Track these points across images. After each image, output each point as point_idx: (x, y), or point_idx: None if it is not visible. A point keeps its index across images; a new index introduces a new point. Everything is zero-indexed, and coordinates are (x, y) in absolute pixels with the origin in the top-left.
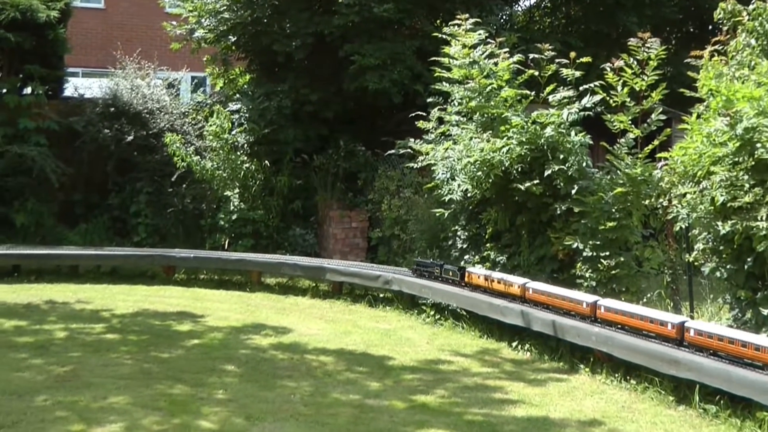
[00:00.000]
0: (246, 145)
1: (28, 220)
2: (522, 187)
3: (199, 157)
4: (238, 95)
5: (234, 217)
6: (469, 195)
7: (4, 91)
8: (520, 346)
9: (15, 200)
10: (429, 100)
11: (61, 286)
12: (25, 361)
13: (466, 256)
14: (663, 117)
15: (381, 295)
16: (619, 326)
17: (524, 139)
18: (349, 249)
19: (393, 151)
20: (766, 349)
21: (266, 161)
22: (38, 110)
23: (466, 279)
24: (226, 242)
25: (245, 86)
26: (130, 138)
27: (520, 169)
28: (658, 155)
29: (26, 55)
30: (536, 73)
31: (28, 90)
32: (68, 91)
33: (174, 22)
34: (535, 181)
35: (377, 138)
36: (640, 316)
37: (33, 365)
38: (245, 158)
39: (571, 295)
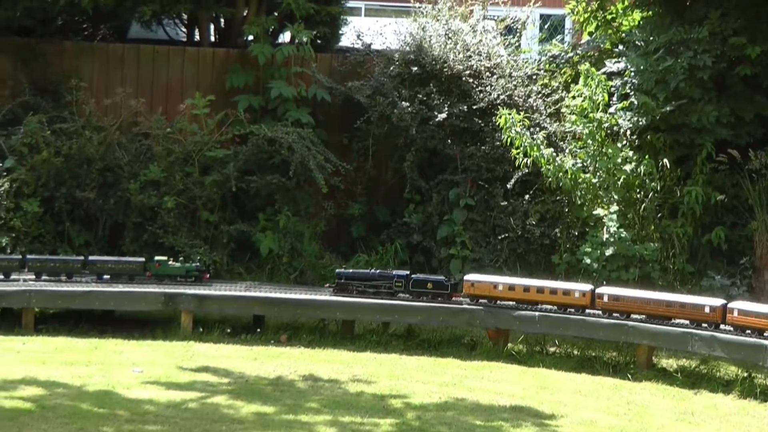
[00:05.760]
0: (631, 132)
1: (278, 245)
2: None
3: (552, 149)
4: (620, 47)
5: (609, 251)
6: None
7: (250, 38)
8: None
9: (260, 212)
10: None
11: (327, 352)
12: None
13: None
14: None
15: None
16: None
17: None
18: None
19: None
20: None
21: (665, 159)
22: (301, 69)
23: (467, 291)
24: None
25: (633, 32)
26: (441, 116)
27: None
28: None
29: None
30: None
31: (286, 37)
32: (346, 39)
33: None
34: None
35: None
36: None
37: None
38: (629, 154)
39: None
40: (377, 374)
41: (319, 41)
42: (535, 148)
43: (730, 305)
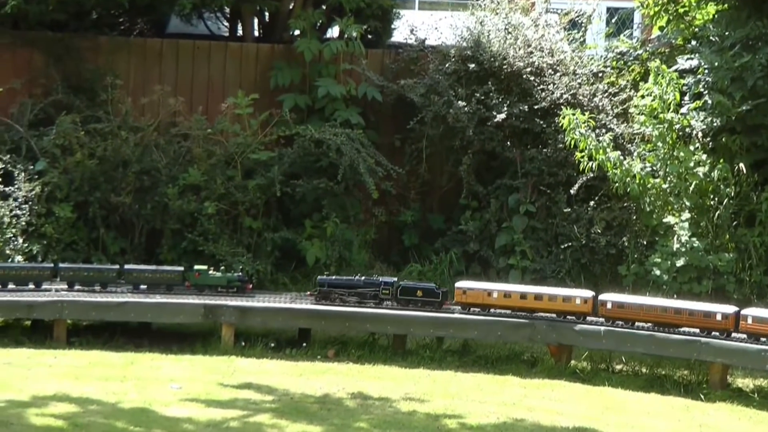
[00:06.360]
0: (705, 134)
1: (326, 253)
2: None
3: (619, 152)
4: (693, 43)
5: (680, 262)
6: None
7: (296, 33)
8: None
9: (306, 218)
10: None
11: (377, 368)
12: None
13: None
14: None
15: None
16: None
17: None
18: None
19: None
20: None
21: (741, 163)
22: (350, 66)
23: (458, 299)
24: None
25: (707, 27)
26: (500, 116)
27: None
28: None
29: None
30: None
31: (334, 32)
32: (398, 34)
33: None
34: None
35: None
36: None
37: None
38: (702, 157)
39: None
40: (431, 392)
41: (369, 36)
42: (601, 151)
43: (743, 312)
